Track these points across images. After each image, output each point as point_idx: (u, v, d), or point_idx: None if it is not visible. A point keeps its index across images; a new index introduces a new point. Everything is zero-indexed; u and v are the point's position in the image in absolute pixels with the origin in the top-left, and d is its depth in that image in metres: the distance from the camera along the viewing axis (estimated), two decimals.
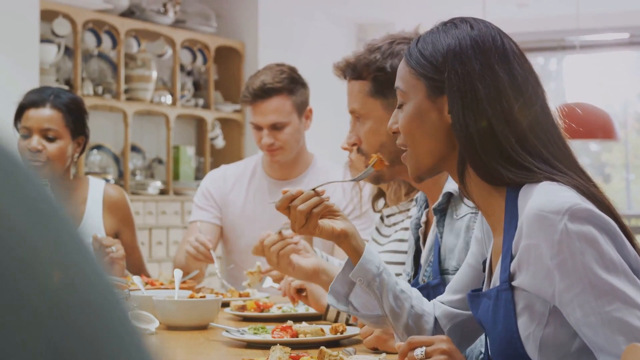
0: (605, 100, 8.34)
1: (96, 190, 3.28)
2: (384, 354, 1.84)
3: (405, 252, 2.75)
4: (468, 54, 1.67)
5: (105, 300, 0.47)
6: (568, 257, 1.49)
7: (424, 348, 1.67)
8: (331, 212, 1.96)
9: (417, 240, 2.29)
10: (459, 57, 1.67)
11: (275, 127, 3.32)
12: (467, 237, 2.05)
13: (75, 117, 3.14)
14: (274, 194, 3.44)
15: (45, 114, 3.08)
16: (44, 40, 5.52)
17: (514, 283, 1.58)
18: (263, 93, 3.30)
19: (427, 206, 2.29)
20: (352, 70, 2.25)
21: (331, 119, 6.21)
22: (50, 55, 5.59)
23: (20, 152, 2.97)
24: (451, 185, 2.07)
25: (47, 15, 5.56)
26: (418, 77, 1.72)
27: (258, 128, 3.34)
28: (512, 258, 1.58)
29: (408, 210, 2.77)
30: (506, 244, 1.60)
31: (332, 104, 5.74)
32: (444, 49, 1.69)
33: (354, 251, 1.93)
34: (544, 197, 1.55)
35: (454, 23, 1.72)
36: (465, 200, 1.82)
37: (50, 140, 3.08)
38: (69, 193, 3.24)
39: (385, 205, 2.90)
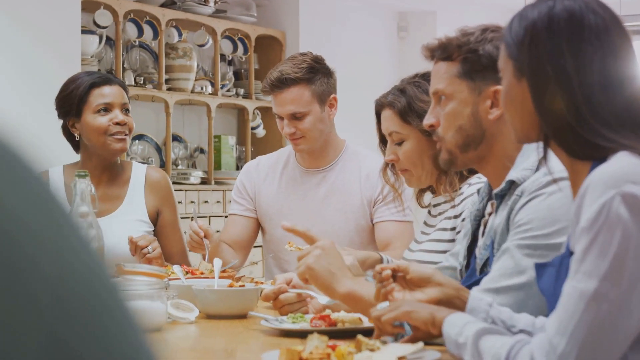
0: None
1: (139, 172, 3.39)
2: (421, 343, 1.83)
3: (447, 241, 2.75)
4: (542, 35, 1.69)
5: (105, 288, 0.47)
6: (602, 228, 1.51)
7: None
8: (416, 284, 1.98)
9: (475, 230, 2.28)
10: (534, 40, 1.69)
11: (295, 117, 3.32)
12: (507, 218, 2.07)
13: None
14: (306, 183, 3.43)
15: (119, 91, 3.28)
16: (85, 31, 5.55)
17: (572, 249, 1.60)
18: (280, 83, 3.30)
19: (491, 197, 2.29)
20: (442, 50, 2.26)
21: (369, 108, 6.19)
22: (92, 46, 5.63)
23: (104, 126, 3.22)
24: (515, 173, 2.07)
25: (89, 6, 5.60)
26: (508, 56, 1.76)
27: (280, 117, 3.36)
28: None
29: (453, 199, 2.76)
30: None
31: (370, 93, 5.73)
32: (525, 29, 1.71)
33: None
34: (612, 166, 1.56)
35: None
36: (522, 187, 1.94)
37: (127, 114, 3.29)
38: (117, 173, 3.34)
39: (435, 195, 2.89)
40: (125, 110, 3.27)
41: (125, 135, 3.25)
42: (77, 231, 0.48)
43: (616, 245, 1.50)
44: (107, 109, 3.23)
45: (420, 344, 1.82)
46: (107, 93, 3.24)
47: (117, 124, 3.22)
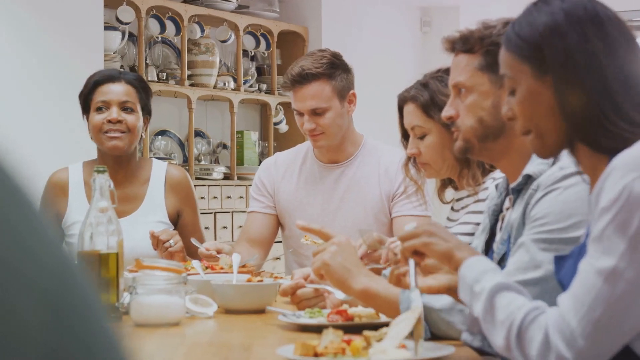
0: None
1: (159, 170, 3.38)
2: (420, 309, 1.83)
3: (469, 234, 2.74)
4: (563, 28, 1.68)
5: (91, 298, 0.48)
6: (622, 208, 1.52)
7: None
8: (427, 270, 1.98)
9: (493, 225, 2.27)
10: (555, 32, 1.68)
11: (316, 113, 3.31)
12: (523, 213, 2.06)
13: (146, 94, 3.35)
14: (325, 178, 3.43)
15: (123, 88, 3.28)
16: (108, 27, 5.58)
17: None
18: (301, 79, 3.30)
19: (509, 192, 2.28)
20: (463, 42, 2.24)
21: (392, 103, 6.18)
22: (115, 42, 5.65)
23: (99, 124, 3.23)
24: (531, 167, 2.07)
25: (111, 3, 5.62)
26: (521, 61, 1.73)
27: (299, 113, 3.36)
28: None
29: (477, 194, 2.75)
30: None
31: (393, 88, 5.72)
32: (540, 27, 1.70)
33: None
34: (635, 150, 1.57)
35: (544, 1, 1.73)
36: (537, 182, 1.94)
37: (128, 112, 3.27)
38: (134, 172, 3.34)
39: (456, 189, 2.88)
40: (126, 108, 3.26)
41: (122, 133, 3.25)
42: (60, 244, 0.48)
43: (635, 225, 1.50)
44: (105, 107, 3.25)
45: (419, 310, 1.80)
46: (107, 91, 3.26)
47: (110, 121, 3.23)
